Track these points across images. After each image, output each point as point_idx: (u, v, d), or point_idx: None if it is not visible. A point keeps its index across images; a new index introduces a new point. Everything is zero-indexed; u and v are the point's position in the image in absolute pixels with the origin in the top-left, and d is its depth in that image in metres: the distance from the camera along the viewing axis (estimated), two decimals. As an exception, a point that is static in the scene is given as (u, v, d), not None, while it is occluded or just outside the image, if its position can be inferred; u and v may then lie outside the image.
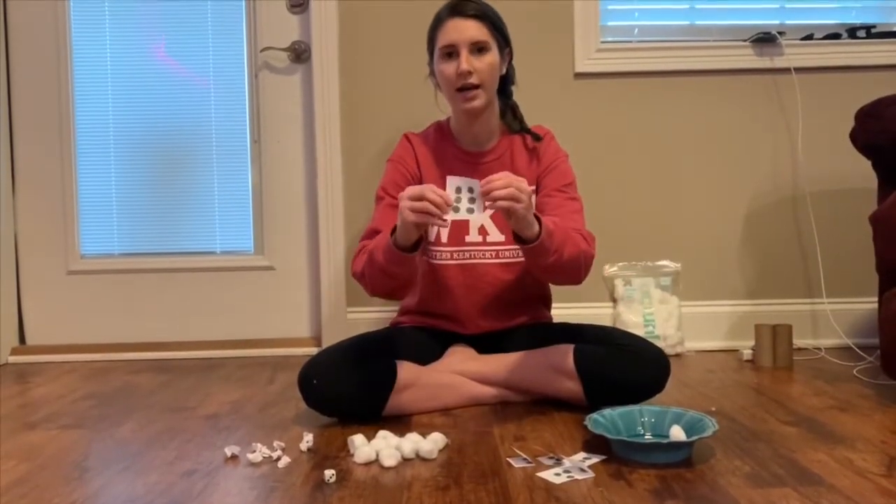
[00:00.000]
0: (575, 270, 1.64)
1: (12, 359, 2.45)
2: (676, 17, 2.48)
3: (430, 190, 1.46)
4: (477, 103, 1.75)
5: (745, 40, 2.39)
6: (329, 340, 2.30)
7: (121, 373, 2.23)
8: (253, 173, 2.51)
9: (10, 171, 2.49)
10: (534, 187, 1.81)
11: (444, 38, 1.74)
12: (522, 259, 1.81)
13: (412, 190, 1.47)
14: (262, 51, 2.46)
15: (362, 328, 2.12)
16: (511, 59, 1.85)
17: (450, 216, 1.47)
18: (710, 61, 2.40)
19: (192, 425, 1.64)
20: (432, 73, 1.84)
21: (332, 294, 2.42)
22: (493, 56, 1.74)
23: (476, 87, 1.73)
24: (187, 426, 1.63)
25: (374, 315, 2.37)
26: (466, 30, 1.72)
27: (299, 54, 2.46)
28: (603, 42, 2.40)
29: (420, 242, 1.57)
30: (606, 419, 1.45)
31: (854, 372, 2.05)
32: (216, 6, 2.47)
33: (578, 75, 2.40)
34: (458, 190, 1.48)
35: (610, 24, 2.43)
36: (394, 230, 1.55)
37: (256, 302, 2.52)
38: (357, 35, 2.40)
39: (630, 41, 2.44)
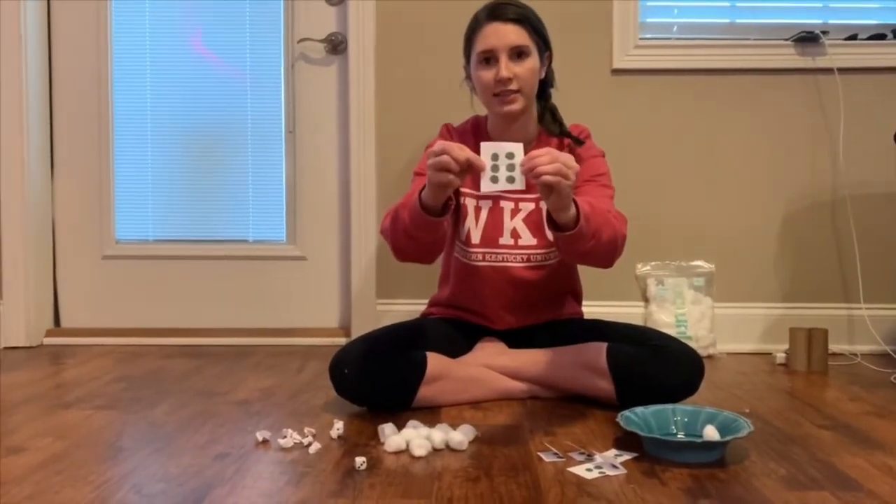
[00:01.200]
0: (609, 254, 1.59)
1: (47, 340, 2.49)
2: (717, 14, 2.44)
3: (455, 146, 1.38)
4: (515, 107, 1.71)
5: (786, 39, 2.36)
6: (358, 331, 2.30)
7: (152, 357, 2.26)
8: (287, 163, 2.52)
9: (49, 157, 2.52)
10: None
11: (482, 43, 1.70)
12: (553, 262, 1.80)
13: (440, 144, 1.41)
14: (298, 41, 2.47)
15: (391, 320, 2.12)
16: (550, 62, 1.81)
17: (487, 187, 1.36)
18: (751, 60, 2.36)
19: (223, 410, 1.65)
20: (468, 77, 1.81)
21: (362, 285, 2.42)
22: (533, 61, 1.71)
23: (515, 91, 1.69)
24: (219, 411, 1.65)
25: (403, 307, 2.37)
26: (506, 34, 1.68)
27: (336, 45, 2.46)
28: (641, 39, 2.38)
29: (447, 208, 1.52)
30: (639, 417, 1.43)
31: (892, 378, 2.01)
32: (255, -4, 2.49)
33: (616, 71, 2.37)
34: (495, 157, 1.35)
35: (649, 20, 2.41)
36: (422, 190, 1.51)
37: (287, 291, 2.53)
38: (394, 27, 2.40)
39: (669, 38, 2.41)
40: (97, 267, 2.55)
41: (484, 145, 1.40)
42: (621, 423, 1.39)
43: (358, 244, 2.42)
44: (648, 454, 1.35)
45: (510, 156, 1.35)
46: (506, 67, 1.67)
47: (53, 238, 2.55)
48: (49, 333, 2.51)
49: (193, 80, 2.51)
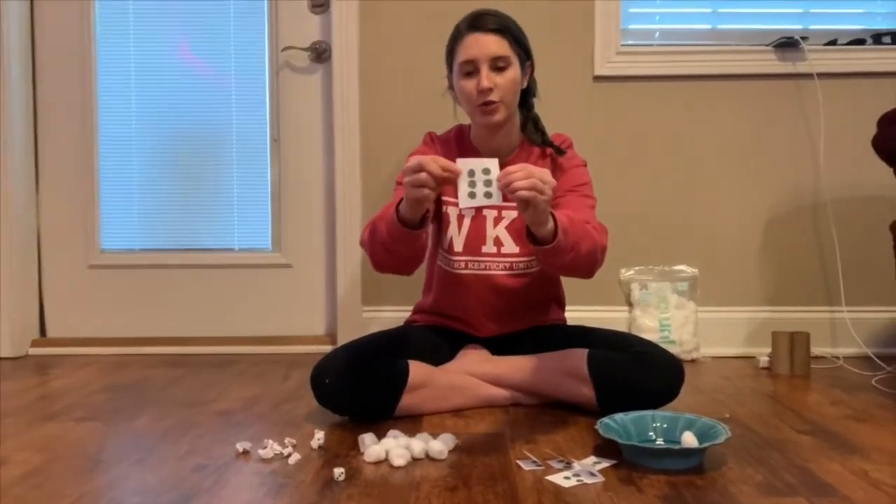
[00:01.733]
0: (589, 266, 1.60)
1: (33, 350, 2.49)
2: (698, 20, 2.46)
3: (430, 159, 1.37)
4: (497, 117, 1.72)
5: (767, 45, 2.37)
6: (344, 339, 2.31)
7: (137, 366, 2.25)
8: (272, 171, 2.53)
9: (33, 166, 2.52)
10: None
11: (463, 54, 1.70)
12: (535, 269, 1.81)
13: (415, 159, 1.40)
14: (283, 50, 2.47)
15: (377, 327, 2.13)
16: (532, 71, 1.81)
17: (465, 203, 1.34)
18: (732, 66, 2.37)
19: (205, 420, 1.65)
20: (451, 87, 1.81)
21: (347, 292, 2.43)
22: (514, 71, 1.71)
23: (496, 102, 1.69)
24: (200, 421, 1.65)
25: (389, 314, 2.37)
26: (487, 45, 1.68)
27: (320, 54, 2.47)
28: (623, 45, 2.39)
29: (425, 221, 1.52)
30: (618, 423, 1.44)
31: (873, 382, 2.02)
32: (238, 5, 2.49)
33: (598, 78, 2.39)
34: (472, 173, 1.33)
35: (631, 27, 2.42)
36: (400, 202, 1.50)
37: (273, 299, 2.53)
38: (378, 35, 2.40)
39: (651, 45, 2.43)
40: (83, 276, 2.54)
41: (460, 161, 1.39)
42: (600, 431, 1.40)
43: (343, 251, 2.43)
44: (627, 461, 1.36)
45: (486, 171, 1.34)
46: (486, 78, 1.68)
47: (39, 248, 2.54)
48: (35, 343, 2.50)
49: (178, 89, 2.52)
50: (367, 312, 2.42)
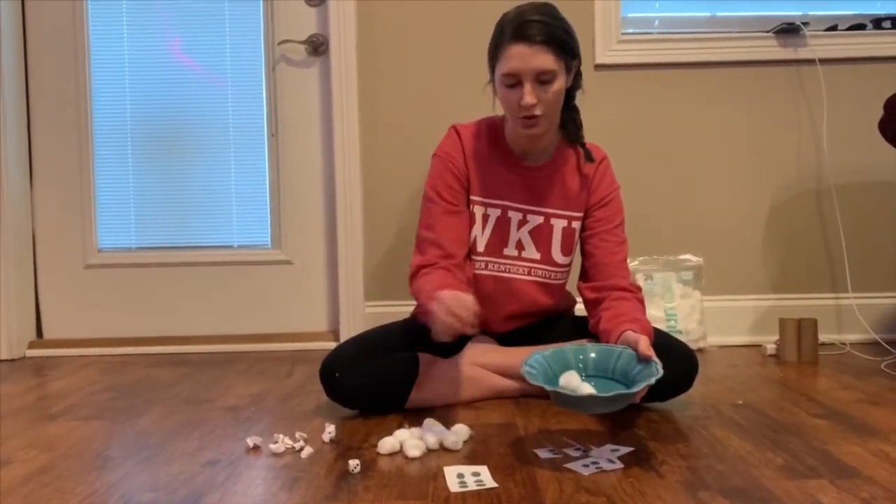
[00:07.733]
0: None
1: (30, 353, 2.45)
2: (698, 8, 2.45)
3: (461, 313, 1.44)
4: (537, 131, 1.65)
5: (768, 31, 2.36)
6: (347, 334, 2.29)
7: (138, 366, 2.22)
8: (270, 167, 2.50)
9: (27, 165, 2.48)
10: (581, 214, 1.77)
11: (506, 65, 1.59)
12: (555, 281, 1.79)
13: (443, 310, 1.44)
14: (279, 43, 2.44)
15: (380, 322, 2.09)
16: (579, 67, 1.71)
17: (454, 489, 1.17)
18: (733, 53, 2.36)
19: (212, 417, 1.63)
20: (492, 81, 1.71)
21: (349, 288, 2.40)
22: (559, 83, 1.62)
23: (538, 115, 1.62)
24: (208, 418, 1.62)
25: (392, 309, 2.34)
26: (532, 59, 1.57)
27: (317, 47, 2.44)
28: (623, 34, 2.37)
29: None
30: (539, 365, 1.37)
31: (882, 366, 2.01)
32: (234, -1, 2.47)
33: (599, 67, 2.37)
34: (461, 475, 1.22)
35: (630, 15, 2.41)
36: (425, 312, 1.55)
37: (274, 296, 2.50)
38: (375, 27, 2.38)
39: (651, 33, 2.41)
40: (79, 276, 2.51)
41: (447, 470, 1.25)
42: (527, 378, 1.31)
43: (344, 247, 2.40)
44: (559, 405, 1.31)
45: (476, 474, 1.24)
46: (529, 94, 1.58)
47: (34, 248, 2.50)
48: (32, 345, 2.46)
49: (173, 84, 2.48)
50: (370, 307, 2.40)
